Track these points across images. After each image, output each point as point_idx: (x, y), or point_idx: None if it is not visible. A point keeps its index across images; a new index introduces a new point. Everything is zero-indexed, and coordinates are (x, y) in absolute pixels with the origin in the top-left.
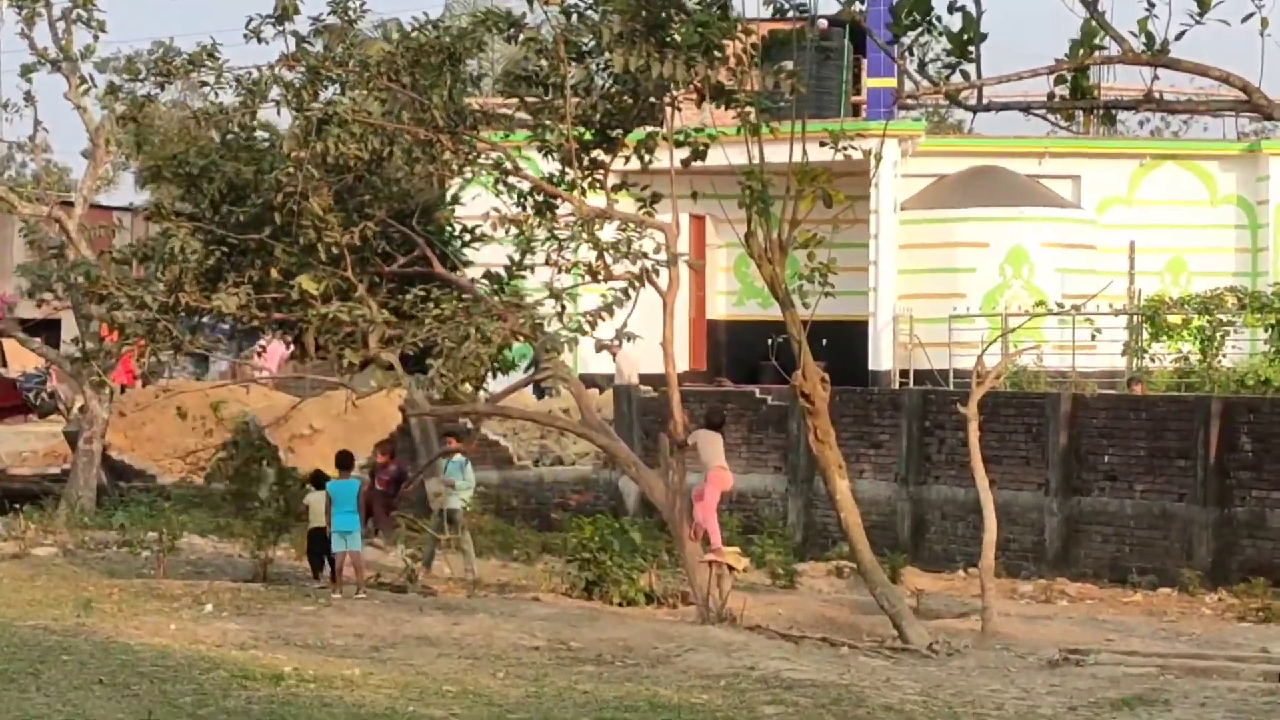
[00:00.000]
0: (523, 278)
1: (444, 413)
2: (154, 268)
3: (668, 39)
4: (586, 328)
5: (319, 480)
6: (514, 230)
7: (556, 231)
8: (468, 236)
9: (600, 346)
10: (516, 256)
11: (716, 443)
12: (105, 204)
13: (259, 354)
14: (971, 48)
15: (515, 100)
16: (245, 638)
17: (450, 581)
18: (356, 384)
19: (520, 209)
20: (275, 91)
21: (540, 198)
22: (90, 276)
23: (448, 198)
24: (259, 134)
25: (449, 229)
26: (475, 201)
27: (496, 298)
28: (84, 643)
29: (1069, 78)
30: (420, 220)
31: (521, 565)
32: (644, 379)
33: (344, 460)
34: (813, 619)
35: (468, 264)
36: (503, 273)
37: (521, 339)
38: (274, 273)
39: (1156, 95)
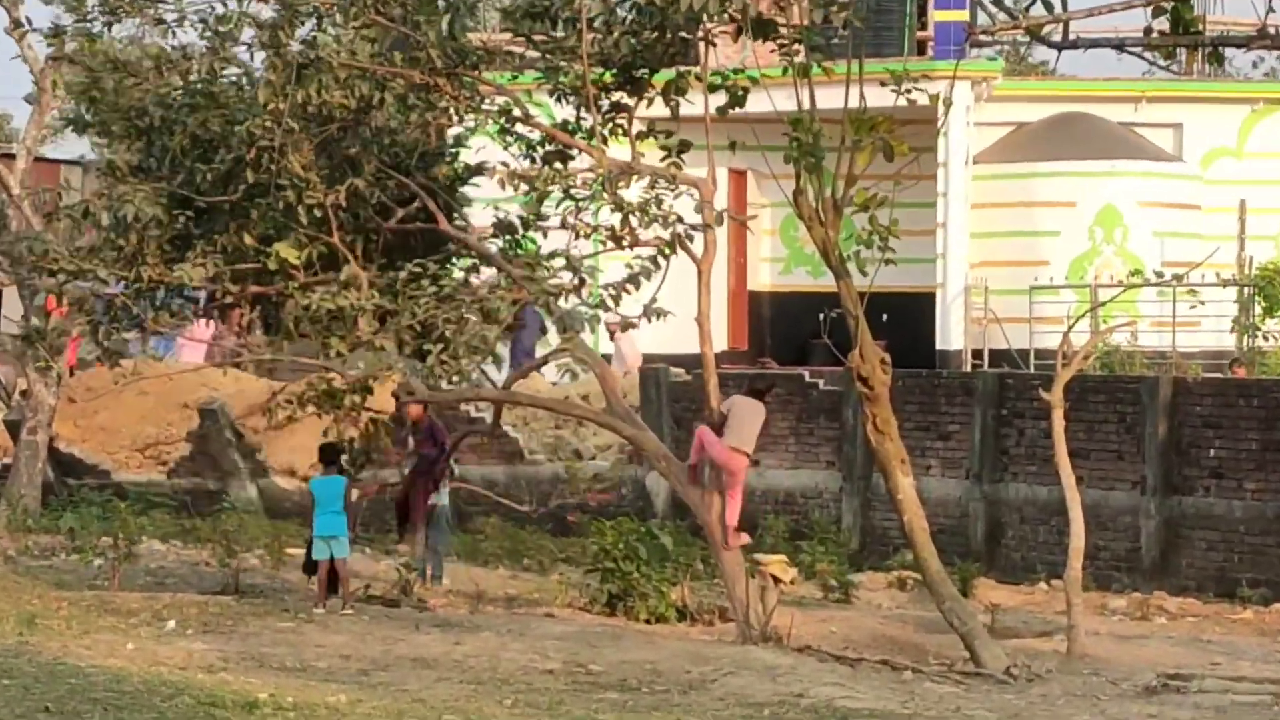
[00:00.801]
0: (540, 229)
1: (444, 399)
2: (106, 233)
3: None
4: (609, 302)
5: (329, 454)
6: (524, 188)
7: (573, 190)
8: (473, 179)
9: (623, 325)
10: (528, 217)
11: (756, 416)
12: (52, 156)
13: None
14: None
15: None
16: (213, 659)
17: (451, 594)
18: (343, 368)
19: (531, 162)
20: (248, 34)
21: (554, 147)
22: (37, 250)
23: (449, 145)
24: (229, 75)
25: (456, 178)
26: (480, 155)
27: (508, 258)
28: (27, 664)
29: (1169, 9)
30: (420, 172)
31: (533, 576)
32: (676, 360)
33: (329, 454)
34: (871, 638)
35: (466, 204)
36: (517, 222)
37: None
38: (248, 239)
39: (1271, 30)
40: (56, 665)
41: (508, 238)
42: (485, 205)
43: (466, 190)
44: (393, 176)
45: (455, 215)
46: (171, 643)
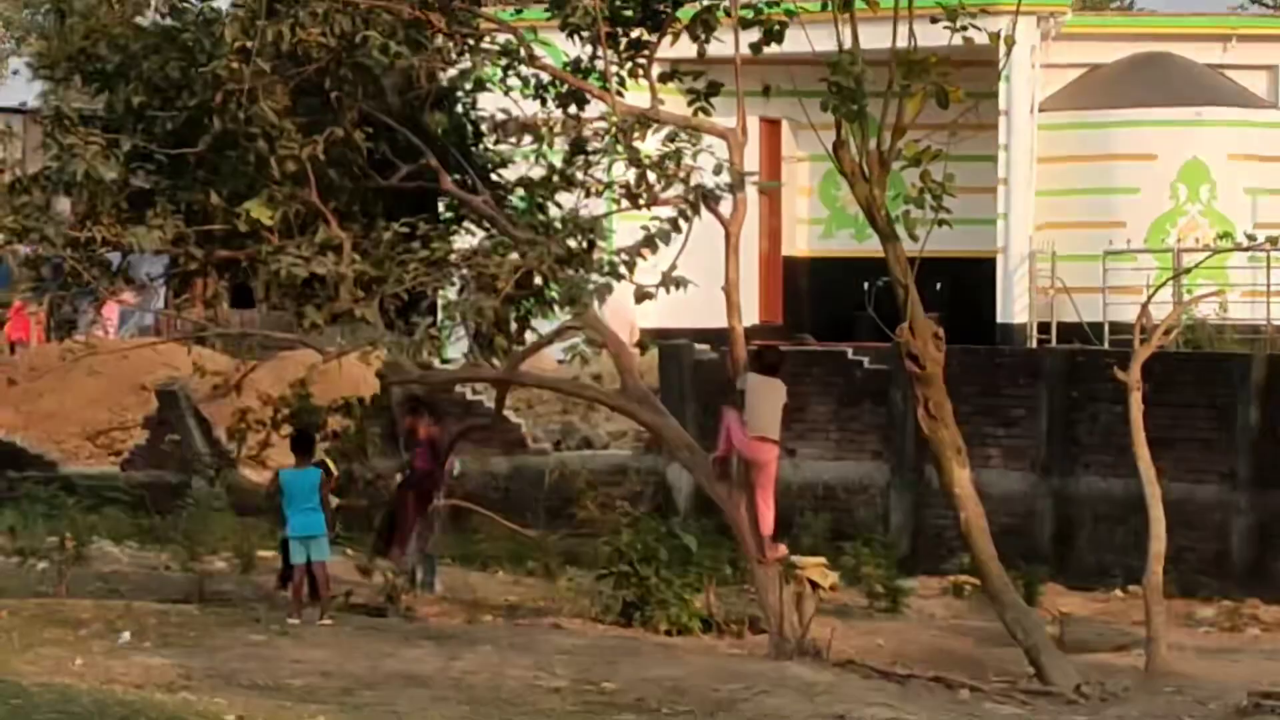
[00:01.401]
0: (560, 187)
1: (436, 380)
2: (50, 188)
3: None
4: (624, 269)
5: (303, 443)
6: (528, 140)
7: (584, 142)
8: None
9: (640, 294)
10: (537, 171)
11: (776, 395)
12: None
13: (98, 310)
14: None
15: None
16: (175, 676)
17: (444, 603)
18: (321, 343)
19: (543, 104)
20: None
21: (564, 89)
22: None
23: (466, 86)
24: (192, 3)
25: (468, 126)
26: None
27: (513, 221)
28: None
29: None
30: (420, 118)
31: (538, 581)
32: (700, 336)
33: (303, 443)
34: (923, 652)
35: (495, 167)
36: (538, 181)
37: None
38: (215, 197)
39: None
40: None
41: (531, 196)
42: (525, 157)
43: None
44: (390, 127)
45: (458, 174)
46: (127, 657)
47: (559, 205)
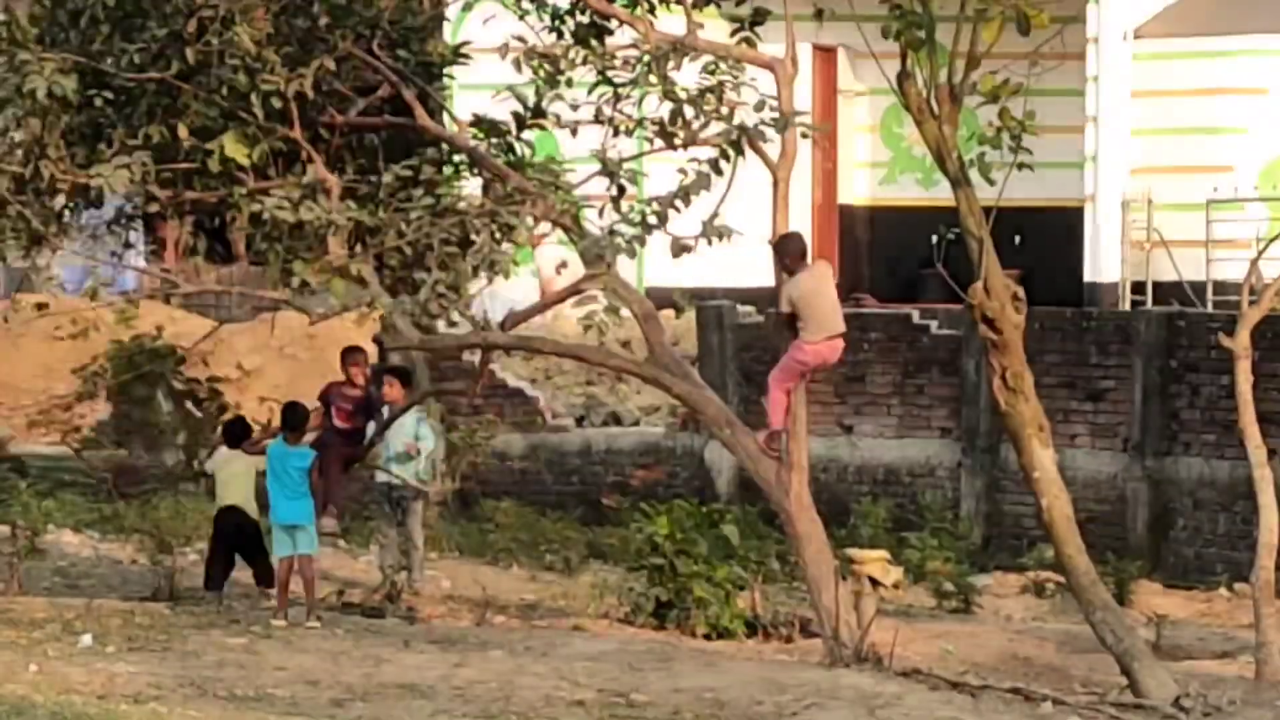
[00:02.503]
0: (542, 127)
1: (439, 346)
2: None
3: None
4: (654, 219)
5: (237, 432)
6: (545, 69)
7: (611, 73)
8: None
9: (678, 248)
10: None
11: (824, 285)
12: None
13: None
14: None
15: None
16: (143, 684)
17: (450, 602)
18: (310, 303)
19: (556, 36)
20: None
21: (585, 18)
22: None
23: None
24: None
25: (447, 64)
26: (490, 27)
27: (514, 165)
28: None
29: None
30: (405, 53)
31: (558, 577)
32: (743, 296)
33: (294, 418)
34: (999, 659)
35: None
36: (509, 120)
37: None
38: (183, 131)
39: None
40: None
41: (494, 139)
42: (497, 93)
43: (453, 86)
44: (357, 57)
45: (432, 106)
46: (88, 663)
47: (529, 145)
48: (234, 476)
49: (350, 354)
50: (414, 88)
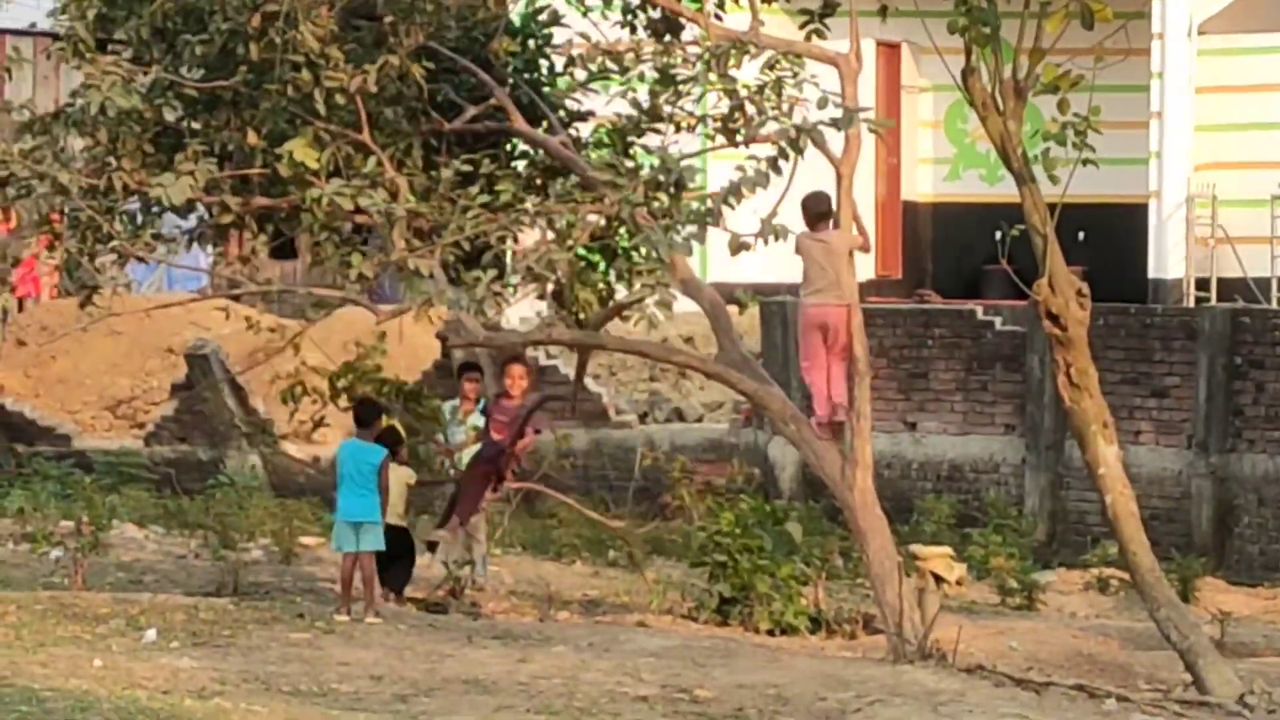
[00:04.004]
0: (657, 130)
1: (503, 342)
2: (63, 125)
3: None
4: (709, 216)
5: (368, 413)
6: (612, 67)
7: (673, 71)
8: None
9: (736, 245)
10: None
11: (827, 251)
12: None
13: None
14: None
15: None
16: (206, 680)
17: (513, 598)
18: (373, 300)
19: (629, 32)
20: None
21: (657, 13)
22: None
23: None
24: None
25: (539, 61)
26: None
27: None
28: None
29: None
30: (482, 54)
31: (621, 573)
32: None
33: (367, 413)
34: (1063, 655)
35: (571, 120)
36: (626, 122)
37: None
38: (253, 137)
39: None
40: (2, 687)
41: (616, 137)
42: (604, 89)
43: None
44: (453, 62)
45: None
46: (151, 658)
47: (648, 149)
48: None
49: (512, 364)
50: (523, 93)
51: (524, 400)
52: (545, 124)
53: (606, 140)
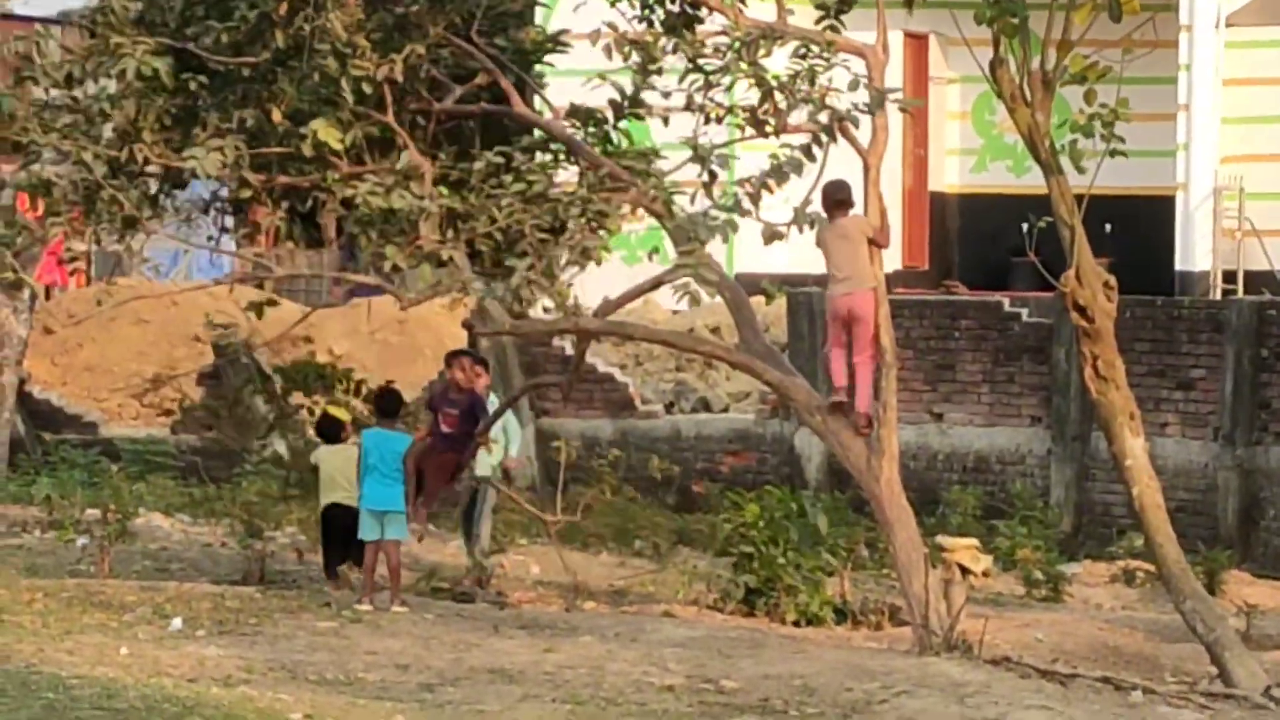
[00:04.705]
0: (638, 116)
1: (530, 331)
2: (95, 101)
3: None
4: (747, 204)
5: (328, 429)
6: (635, 57)
7: (702, 61)
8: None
9: (770, 234)
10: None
11: (841, 239)
12: (22, 13)
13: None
14: None
15: None
16: (232, 668)
17: (539, 587)
18: (402, 288)
19: (649, 26)
20: None
21: (675, 6)
22: (4, 108)
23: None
24: None
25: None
26: (580, 15)
27: (608, 153)
28: None
29: None
30: (503, 40)
31: (647, 563)
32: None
33: (388, 403)
34: (1089, 648)
35: (540, 81)
36: (607, 109)
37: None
38: (276, 115)
39: None
40: (29, 674)
41: (590, 129)
42: (587, 80)
43: (547, 78)
44: (451, 43)
45: (529, 94)
46: (178, 646)
47: (627, 135)
48: (337, 470)
49: (455, 358)
50: (511, 75)
51: (472, 391)
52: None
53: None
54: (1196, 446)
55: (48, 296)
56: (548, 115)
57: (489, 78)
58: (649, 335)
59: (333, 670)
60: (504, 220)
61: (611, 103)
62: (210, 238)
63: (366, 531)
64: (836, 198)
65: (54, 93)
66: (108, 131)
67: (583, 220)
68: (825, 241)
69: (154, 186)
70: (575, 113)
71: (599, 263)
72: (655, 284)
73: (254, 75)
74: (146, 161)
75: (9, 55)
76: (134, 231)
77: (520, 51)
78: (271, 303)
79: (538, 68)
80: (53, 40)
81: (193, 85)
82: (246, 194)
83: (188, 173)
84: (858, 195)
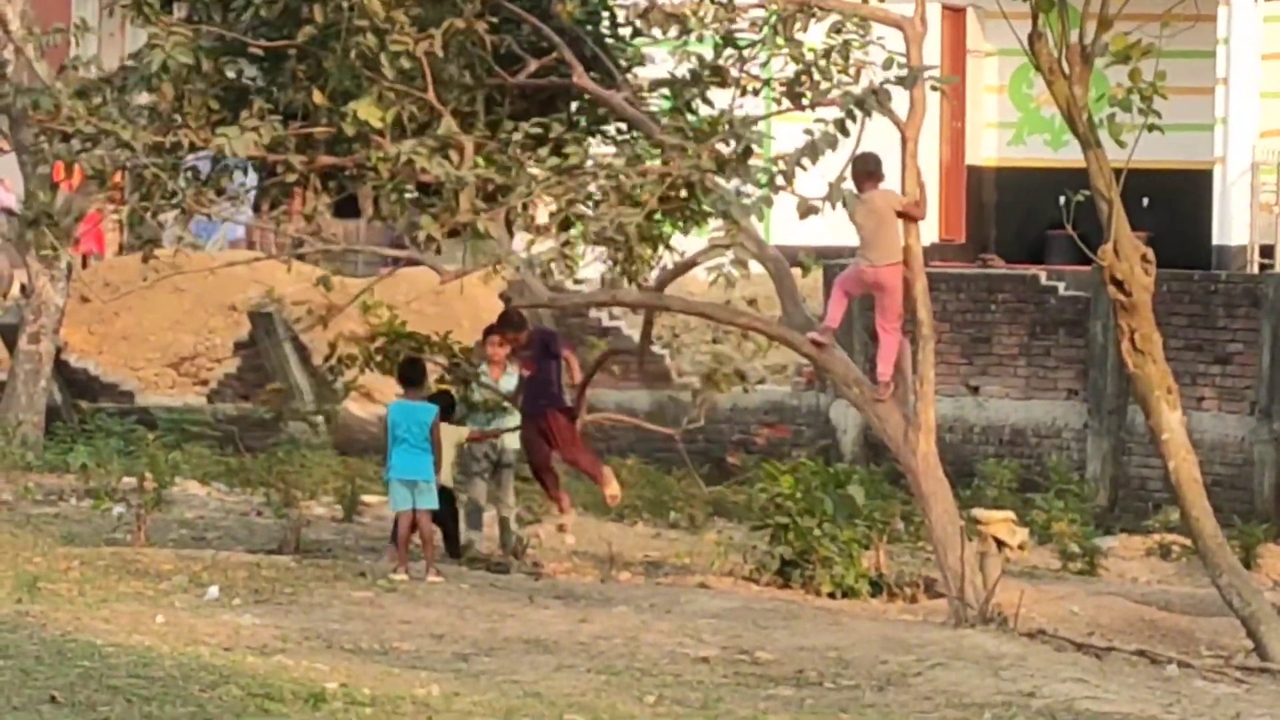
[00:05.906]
0: (721, 84)
1: (567, 303)
2: (131, 85)
3: None
4: (782, 179)
5: (410, 372)
6: (674, 31)
7: (738, 35)
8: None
9: (805, 209)
10: (677, 71)
11: (874, 214)
12: None
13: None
14: None
15: None
16: (268, 637)
17: (575, 558)
18: (439, 261)
19: None
20: None
21: None
22: (42, 105)
23: None
24: None
25: (601, 17)
26: None
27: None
28: (28, 641)
29: None
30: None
31: (682, 534)
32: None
33: (412, 372)
34: (1124, 621)
35: (633, 65)
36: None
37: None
38: (318, 96)
39: None
40: (66, 642)
41: (675, 95)
42: (673, 50)
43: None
44: (515, 16)
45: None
46: (213, 615)
47: (709, 103)
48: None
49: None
50: (587, 49)
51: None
52: (610, 79)
53: (668, 100)
54: (1233, 420)
55: (85, 265)
56: (623, 92)
57: (550, 47)
58: (686, 307)
59: (368, 640)
60: (539, 192)
61: (692, 72)
62: (235, 206)
63: (398, 502)
64: (865, 170)
65: (93, 71)
66: (140, 99)
67: (614, 200)
68: (852, 213)
69: (202, 167)
70: (662, 84)
71: (629, 240)
72: (688, 265)
73: (295, 57)
74: (191, 145)
75: (50, 45)
76: (186, 217)
77: (592, 13)
78: (337, 273)
79: (636, 41)
80: (90, 30)
81: (230, 72)
82: (292, 178)
83: (229, 151)
84: (895, 168)
